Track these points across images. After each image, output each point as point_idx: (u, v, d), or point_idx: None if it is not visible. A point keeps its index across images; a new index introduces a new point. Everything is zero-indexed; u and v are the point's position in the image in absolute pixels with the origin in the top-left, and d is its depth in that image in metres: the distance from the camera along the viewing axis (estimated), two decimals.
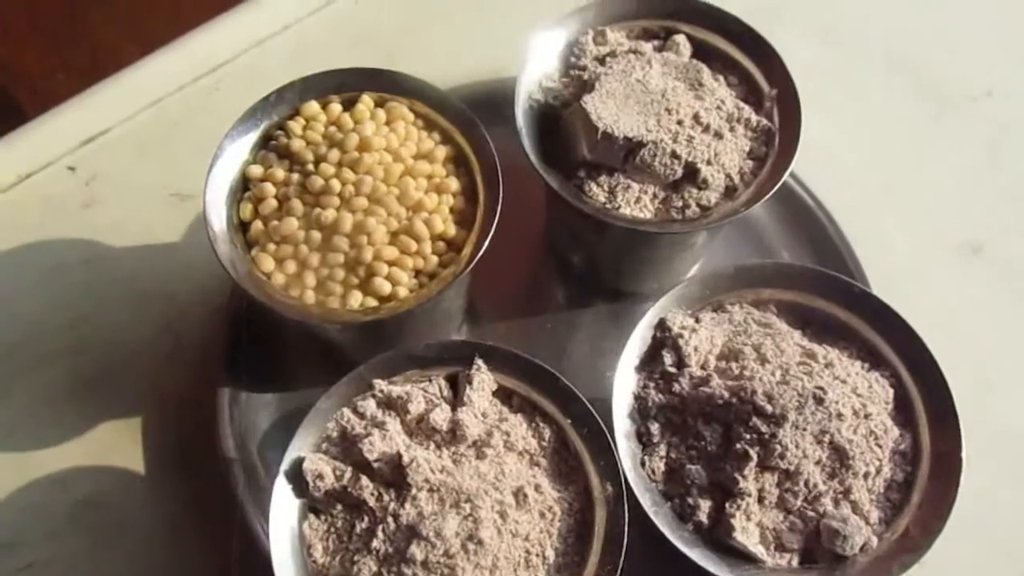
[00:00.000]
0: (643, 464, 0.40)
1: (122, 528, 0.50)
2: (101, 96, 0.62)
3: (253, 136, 0.47)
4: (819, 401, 0.38)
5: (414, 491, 0.38)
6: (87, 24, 0.90)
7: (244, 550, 0.47)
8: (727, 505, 0.39)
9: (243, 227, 0.46)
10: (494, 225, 0.44)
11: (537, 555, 0.38)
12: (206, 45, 0.64)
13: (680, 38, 0.49)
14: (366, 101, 0.47)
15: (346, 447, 0.40)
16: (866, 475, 0.39)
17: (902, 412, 0.41)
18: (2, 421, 0.52)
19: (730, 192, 0.46)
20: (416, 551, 0.36)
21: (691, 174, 0.46)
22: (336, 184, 0.44)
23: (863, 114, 0.64)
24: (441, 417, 0.40)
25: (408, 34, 0.66)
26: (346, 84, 0.48)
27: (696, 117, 0.45)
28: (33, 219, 0.59)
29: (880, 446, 0.40)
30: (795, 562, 0.39)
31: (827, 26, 0.68)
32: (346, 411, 0.41)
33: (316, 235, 0.44)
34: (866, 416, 0.40)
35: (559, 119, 0.48)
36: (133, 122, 0.62)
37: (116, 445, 0.52)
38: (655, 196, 0.46)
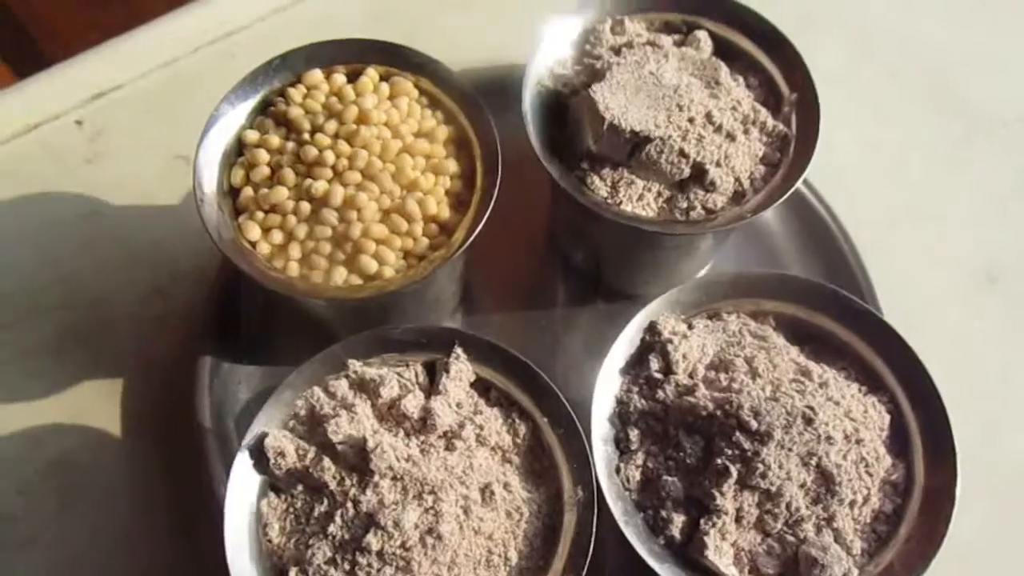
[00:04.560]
0: (618, 471, 0.38)
1: (92, 490, 0.49)
2: (114, 51, 0.61)
3: (253, 101, 0.45)
4: (808, 421, 0.36)
5: (376, 478, 0.36)
6: None
7: (211, 522, 0.46)
8: (702, 522, 0.37)
9: (233, 193, 0.44)
10: (489, 210, 0.43)
11: (499, 555, 0.37)
12: (225, 9, 0.63)
13: (701, 34, 0.47)
14: (371, 74, 0.46)
15: (312, 426, 0.38)
16: (852, 503, 0.37)
17: (897, 441, 0.39)
18: None
19: (738, 197, 0.44)
20: (372, 540, 0.35)
21: (699, 175, 0.44)
22: (330, 156, 0.43)
23: (889, 130, 0.62)
24: (413, 404, 0.38)
25: (428, 14, 0.64)
26: (352, 55, 0.46)
27: (708, 116, 0.44)
28: (35, 170, 0.58)
29: (870, 474, 0.38)
30: None
31: (860, 37, 0.65)
32: (317, 389, 0.39)
33: (305, 206, 0.43)
34: (858, 441, 0.38)
35: (567, 108, 0.46)
36: (145, 80, 0.61)
37: (94, 405, 0.51)
38: (659, 195, 0.44)
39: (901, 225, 0.58)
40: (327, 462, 0.37)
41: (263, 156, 0.44)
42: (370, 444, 0.36)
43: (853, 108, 0.61)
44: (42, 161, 0.58)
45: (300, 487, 0.38)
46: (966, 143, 0.61)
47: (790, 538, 0.37)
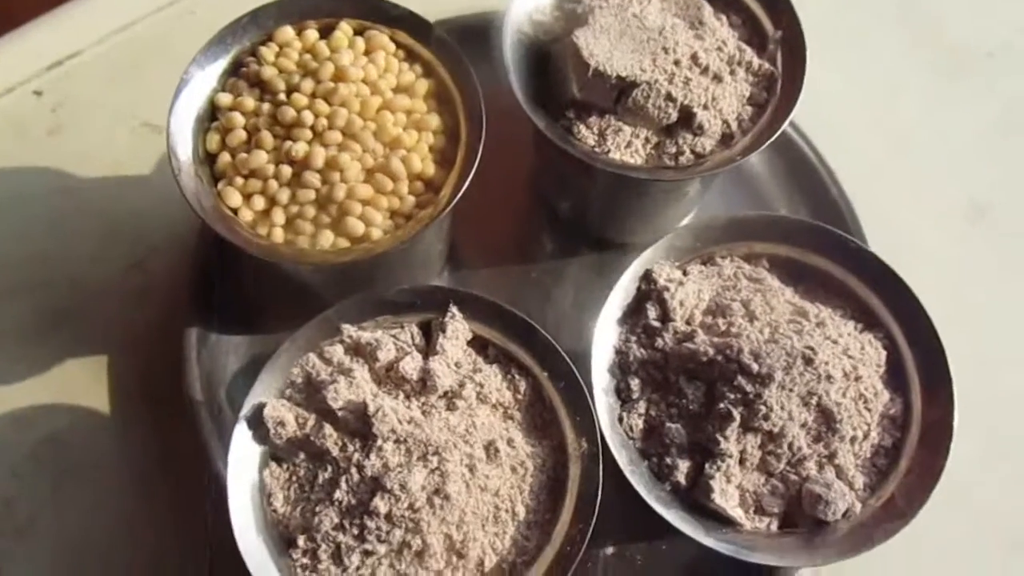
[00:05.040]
0: (621, 420, 0.38)
1: (86, 468, 0.49)
2: (71, 17, 0.59)
3: (223, 62, 0.44)
4: (808, 362, 0.37)
5: (380, 442, 0.36)
6: None
7: (210, 494, 0.45)
8: (707, 466, 0.37)
9: (210, 159, 0.43)
10: (475, 166, 0.42)
11: (507, 511, 0.37)
12: None
13: None
14: (344, 28, 0.44)
15: (310, 394, 0.38)
16: (853, 439, 0.38)
17: (894, 375, 0.40)
18: None
19: (727, 139, 0.44)
20: (380, 504, 0.35)
21: (686, 118, 0.43)
22: (309, 116, 0.41)
23: (873, 66, 0.61)
24: (411, 366, 0.38)
25: None
26: (324, 9, 0.45)
27: (694, 58, 0.43)
28: None
29: (869, 410, 0.38)
30: (774, 526, 0.38)
31: None
32: (312, 356, 0.39)
33: (286, 170, 0.41)
34: (856, 379, 0.38)
35: (549, 55, 0.45)
36: (104, 46, 0.59)
37: (81, 383, 0.50)
38: (647, 140, 0.44)
39: (887, 161, 0.58)
40: (328, 429, 0.37)
41: (238, 119, 0.42)
42: (371, 408, 0.36)
43: (834, 45, 0.60)
44: (3, 135, 0.56)
45: (302, 455, 0.37)
46: (951, 76, 0.61)
47: (793, 477, 0.38)
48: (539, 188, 0.54)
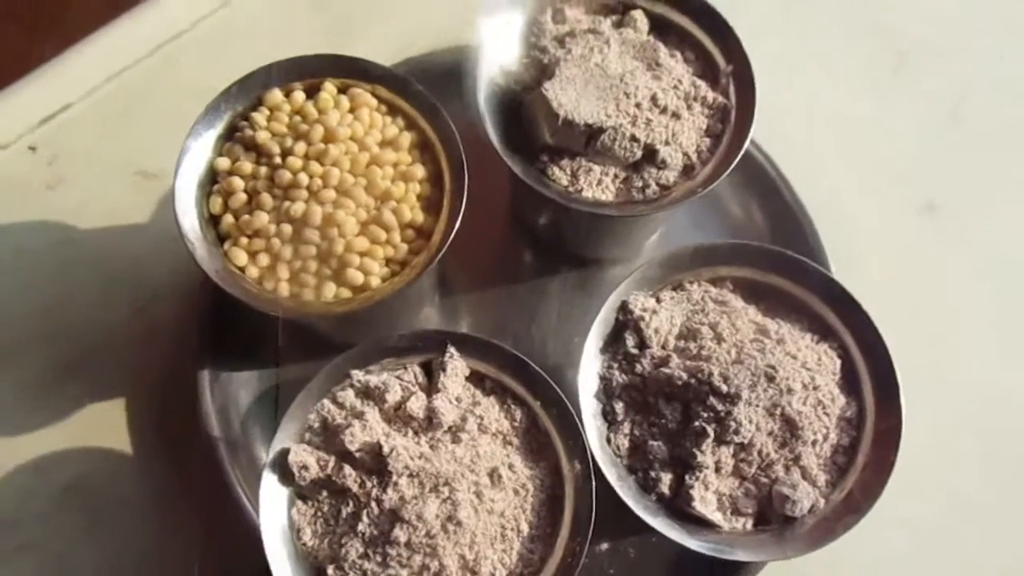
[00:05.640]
0: (609, 441, 0.43)
1: (113, 508, 0.52)
2: (57, 73, 0.61)
3: (218, 129, 0.47)
4: (771, 379, 0.41)
5: (395, 477, 0.40)
6: None
7: (230, 525, 0.49)
8: (687, 477, 0.42)
9: (213, 220, 0.46)
10: (461, 212, 0.45)
11: (512, 529, 0.41)
12: (164, 15, 0.63)
13: (637, 14, 0.50)
14: (329, 88, 0.48)
15: (328, 437, 0.42)
16: (814, 442, 0.42)
17: (848, 380, 0.44)
18: None
19: (688, 170, 0.48)
20: (400, 534, 0.39)
21: (650, 155, 0.47)
22: (304, 177, 0.45)
23: (821, 72, 0.65)
24: (417, 405, 0.42)
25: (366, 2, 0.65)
26: (308, 71, 0.48)
27: (654, 99, 0.46)
28: None
29: (827, 414, 0.43)
30: (749, 525, 0.42)
31: None
32: (326, 402, 0.42)
33: (287, 228, 0.45)
34: (815, 388, 0.42)
35: (521, 102, 0.48)
36: (93, 97, 0.61)
37: (100, 427, 0.53)
38: (616, 177, 0.48)
39: (840, 164, 0.61)
40: (347, 468, 0.41)
41: (238, 183, 0.45)
42: (385, 449, 0.40)
43: (787, 53, 0.63)
44: (1, 191, 0.59)
45: (324, 493, 0.41)
46: (899, 76, 0.64)
47: (764, 479, 0.42)
48: (518, 217, 0.58)
